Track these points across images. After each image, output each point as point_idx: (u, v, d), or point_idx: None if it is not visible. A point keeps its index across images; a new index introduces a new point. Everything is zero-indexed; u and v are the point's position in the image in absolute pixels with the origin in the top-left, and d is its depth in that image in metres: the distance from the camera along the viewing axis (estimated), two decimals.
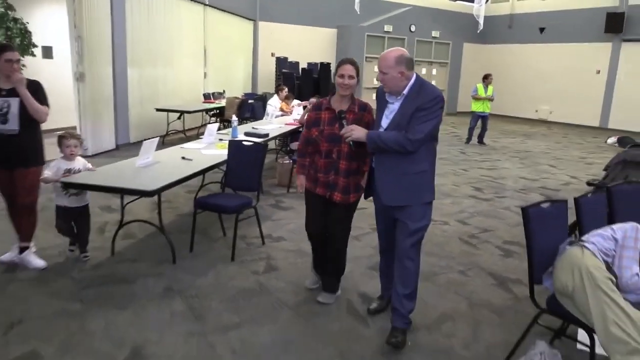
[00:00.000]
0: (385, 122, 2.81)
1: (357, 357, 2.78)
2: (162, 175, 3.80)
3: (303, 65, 15.14)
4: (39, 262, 3.71)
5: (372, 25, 16.71)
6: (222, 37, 12.59)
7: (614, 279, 2.31)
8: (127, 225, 4.13)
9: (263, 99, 10.54)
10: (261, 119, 8.87)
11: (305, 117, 3.21)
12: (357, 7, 14.30)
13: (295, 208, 5.44)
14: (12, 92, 3.43)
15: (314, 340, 2.92)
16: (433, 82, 15.60)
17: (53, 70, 8.87)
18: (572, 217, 2.84)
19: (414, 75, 2.74)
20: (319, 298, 3.33)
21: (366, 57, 16.61)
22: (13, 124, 3.45)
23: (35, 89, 3.52)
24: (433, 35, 17.91)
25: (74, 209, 3.78)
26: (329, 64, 15.46)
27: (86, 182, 3.62)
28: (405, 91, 2.73)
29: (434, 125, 2.71)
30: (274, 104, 8.68)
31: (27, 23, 8.61)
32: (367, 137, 2.77)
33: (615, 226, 2.63)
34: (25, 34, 8.73)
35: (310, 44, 16.17)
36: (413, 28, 17.42)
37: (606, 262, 2.42)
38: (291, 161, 6.15)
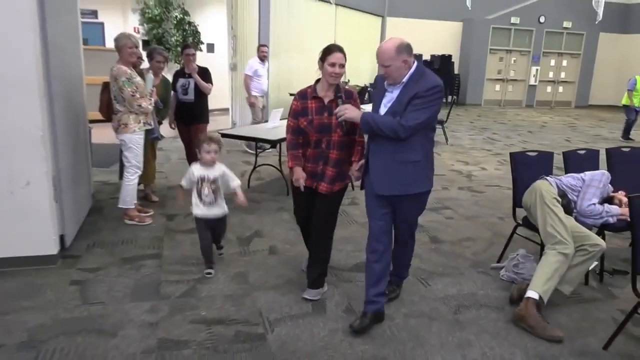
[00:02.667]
0: (383, 111, 2.76)
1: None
2: (282, 133, 5.50)
3: (426, 57, 16.21)
4: None
5: (498, 17, 17.07)
6: (350, 32, 14.22)
7: (559, 199, 3.38)
8: (258, 169, 5.93)
9: None
10: None
11: (291, 107, 3.11)
12: (468, 3, 14.94)
13: None
14: (191, 75, 5.36)
15: None
16: (562, 74, 16.05)
17: (214, 62, 11.27)
18: None
19: (415, 63, 2.70)
20: (305, 294, 3.20)
21: (490, 50, 17.07)
22: (191, 96, 5.37)
23: (205, 72, 5.41)
24: (564, 25, 17.64)
25: (212, 220, 3.48)
26: (450, 56, 16.34)
27: (234, 133, 5.47)
28: (405, 79, 2.68)
29: (430, 115, 2.65)
30: None
31: (198, 25, 11.06)
32: (360, 118, 2.73)
33: (589, 172, 3.66)
34: (196, 34, 11.22)
35: (435, 37, 17.07)
36: (542, 19, 17.37)
37: (562, 190, 3.48)
38: None
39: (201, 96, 5.38)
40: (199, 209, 3.41)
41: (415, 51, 11.20)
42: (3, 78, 3.18)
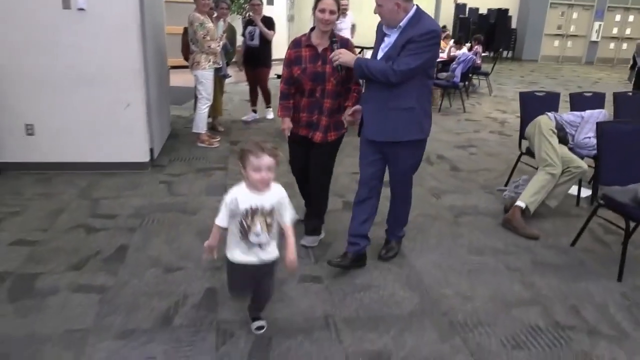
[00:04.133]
0: (380, 55, 2.73)
1: None
2: None
3: (482, 10, 16.18)
4: (271, 114, 6.56)
5: None
6: None
7: (555, 130, 4.00)
8: None
9: None
10: None
11: (285, 56, 3.07)
12: None
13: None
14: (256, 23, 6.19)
15: None
16: (627, 31, 15.71)
17: (273, 14, 12.02)
18: None
19: (414, 7, 2.62)
20: (302, 241, 3.22)
21: (551, 4, 16.73)
22: (256, 41, 6.21)
23: (268, 21, 6.22)
24: None
25: (258, 269, 2.19)
26: (506, 10, 16.21)
27: None
28: (402, 23, 2.62)
29: (425, 60, 2.59)
30: None
31: None
32: (354, 62, 2.71)
33: (589, 110, 4.23)
34: None
35: None
36: None
37: (560, 124, 4.08)
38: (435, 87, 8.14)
39: (265, 42, 6.21)
40: (241, 253, 2.15)
41: (471, 4, 11.67)
42: (110, 24, 4.14)
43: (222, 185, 4.30)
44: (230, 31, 5.94)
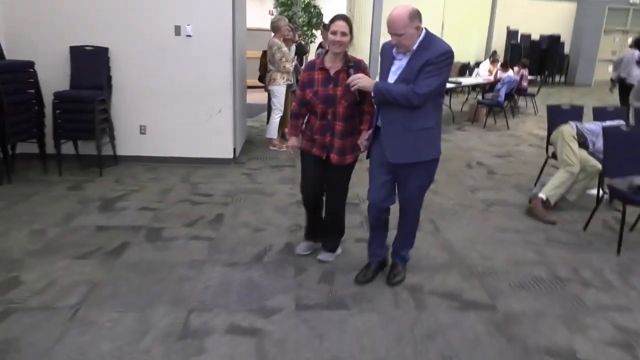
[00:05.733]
0: (392, 78, 2.74)
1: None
2: None
3: (535, 37, 16.70)
4: None
5: None
6: (459, 14, 15.29)
7: (575, 137, 4.68)
8: None
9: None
10: None
11: (300, 78, 3.18)
12: None
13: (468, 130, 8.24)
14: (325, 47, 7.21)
15: None
16: None
17: None
18: None
19: (424, 30, 2.67)
20: (319, 257, 3.37)
21: (605, 30, 17.01)
22: None
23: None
24: None
25: None
26: (558, 36, 16.66)
27: None
28: (414, 46, 2.65)
29: (442, 81, 2.67)
30: (483, 66, 11.26)
31: (321, 8, 13.00)
32: (374, 87, 2.74)
33: (609, 121, 4.89)
34: (319, 15, 13.19)
35: (546, 17, 17.39)
36: None
37: (581, 131, 4.76)
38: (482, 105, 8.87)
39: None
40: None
41: (524, 31, 12.48)
42: (213, 48, 5.25)
43: (292, 178, 5.24)
44: (301, 47, 7.06)
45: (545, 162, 5.19)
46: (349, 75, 2.85)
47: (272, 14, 13.43)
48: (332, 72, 2.98)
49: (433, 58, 2.60)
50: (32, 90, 4.89)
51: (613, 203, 4.86)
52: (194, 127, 5.45)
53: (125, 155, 5.49)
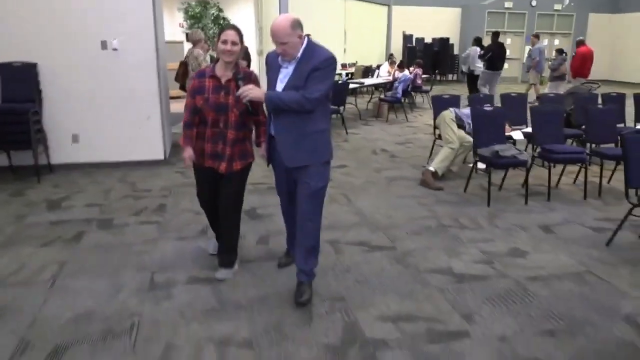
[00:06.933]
0: (280, 86, 2.82)
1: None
2: None
3: (427, 40, 18.42)
4: None
5: (493, 3, 19.12)
6: (359, 21, 16.54)
7: (454, 119, 5.74)
8: None
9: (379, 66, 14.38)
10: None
11: (189, 85, 2.99)
12: None
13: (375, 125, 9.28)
14: None
15: None
16: (553, 53, 17.98)
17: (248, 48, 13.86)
18: None
19: (306, 38, 2.79)
20: (217, 274, 3.28)
21: (486, 32, 19.14)
22: None
23: (245, 52, 7.94)
24: (555, 8, 19.55)
25: None
26: (447, 39, 18.50)
27: None
28: (299, 54, 2.76)
29: (329, 85, 2.78)
30: (383, 68, 12.49)
31: (230, 20, 13.61)
32: (265, 97, 2.78)
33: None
34: None
35: (436, 23, 19.25)
36: (534, 2, 19.32)
37: (459, 116, 5.82)
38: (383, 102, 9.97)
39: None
40: None
41: (417, 35, 14.10)
42: (138, 60, 5.76)
43: None
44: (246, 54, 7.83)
45: (434, 143, 6.24)
46: (238, 87, 2.87)
47: (183, 27, 13.85)
48: (223, 80, 2.99)
49: (319, 64, 2.72)
50: None
51: (477, 169, 6.01)
52: (125, 133, 5.91)
53: (60, 163, 5.83)
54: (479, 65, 11.45)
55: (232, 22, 13.68)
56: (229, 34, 2.90)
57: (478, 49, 11.69)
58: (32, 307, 2.90)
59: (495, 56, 11.09)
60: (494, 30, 12.04)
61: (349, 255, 3.65)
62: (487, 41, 12.32)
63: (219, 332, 2.68)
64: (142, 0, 5.72)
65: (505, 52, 11.58)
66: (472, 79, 11.83)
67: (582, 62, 11.28)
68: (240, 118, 3.04)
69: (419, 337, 2.65)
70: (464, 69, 11.77)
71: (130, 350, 2.52)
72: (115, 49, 5.69)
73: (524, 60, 19.70)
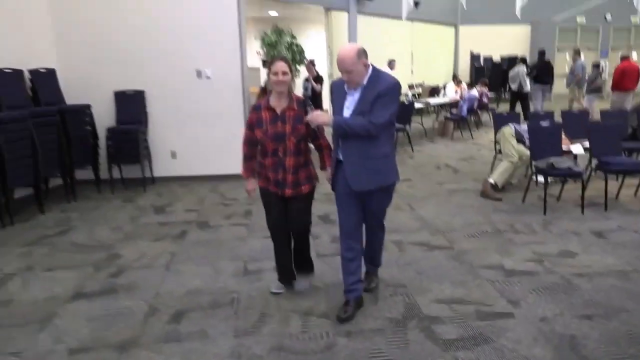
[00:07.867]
0: (347, 113, 2.93)
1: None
2: None
3: (496, 58, 18.52)
4: None
5: (565, 18, 18.89)
6: (426, 42, 17.02)
7: (514, 135, 6.10)
8: None
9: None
10: None
11: (247, 119, 3.27)
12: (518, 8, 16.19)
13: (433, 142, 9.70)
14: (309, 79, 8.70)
15: None
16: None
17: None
18: None
19: (371, 66, 2.91)
20: (296, 286, 3.49)
21: (557, 48, 18.94)
22: (308, 92, 8.67)
23: (318, 77, 8.74)
24: (632, 20, 18.98)
25: None
26: (516, 57, 18.48)
27: None
28: (364, 81, 2.87)
29: (394, 111, 2.88)
30: (450, 87, 12.90)
31: (303, 45, 14.58)
32: (333, 122, 2.89)
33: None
34: (302, 52, 14.75)
35: (505, 41, 19.26)
36: (609, 16, 18.88)
37: (519, 132, 6.19)
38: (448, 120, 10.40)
39: (315, 93, 8.70)
40: None
41: (485, 53, 14.49)
42: (227, 86, 6.66)
43: None
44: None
45: (495, 157, 6.61)
46: (306, 114, 3.01)
47: (260, 54, 14.99)
48: (278, 110, 3.09)
49: (383, 90, 2.82)
50: (89, 127, 6.21)
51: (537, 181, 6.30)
52: (215, 149, 6.80)
53: (161, 176, 6.79)
54: (528, 83, 11.81)
55: (304, 48, 14.66)
56: (279, 66, 3.01)
57: (524, 67, 12.04)
58: (154, 284, 3.67)
59: (539, 73, 11.83)
60: (540, 49, 12.53)
61: (411, 253, 4.17)
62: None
63: (302, 306, 3.30)
64: (231, 33, 6.63)
65: (552, 69, 12.36)
66: (517, 97, 12.07)
67: (621, 77, 11.24)
68: (298, 145, 3.14)
69: (468, 315, 3.13)
70: (514, 87, 12.00)
71: (233, 316, 3.19)
72: (208, 77, 6.61)
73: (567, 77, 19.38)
